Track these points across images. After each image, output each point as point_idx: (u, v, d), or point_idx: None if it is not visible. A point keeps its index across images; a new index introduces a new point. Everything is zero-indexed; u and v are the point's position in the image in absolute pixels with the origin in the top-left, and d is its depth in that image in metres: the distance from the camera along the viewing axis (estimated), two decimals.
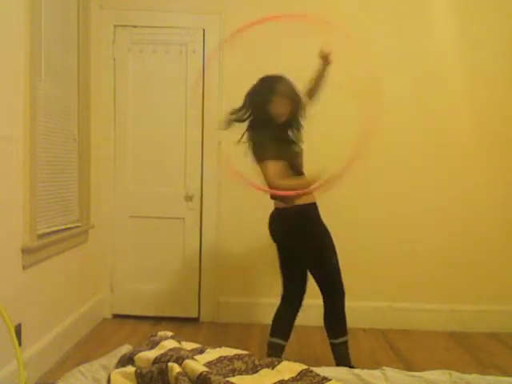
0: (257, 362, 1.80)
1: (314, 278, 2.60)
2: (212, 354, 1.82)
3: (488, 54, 3.71)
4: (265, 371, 1.75)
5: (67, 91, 3.23)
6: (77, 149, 3.36)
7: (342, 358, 2.54)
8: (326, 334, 2.64)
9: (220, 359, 1.79)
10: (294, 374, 1.73)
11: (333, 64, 2.59)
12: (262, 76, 2.61)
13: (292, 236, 2.55)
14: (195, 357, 1.73)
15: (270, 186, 2.44)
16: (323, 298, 2.62)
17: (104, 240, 3.79)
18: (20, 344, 2.24)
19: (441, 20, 3.68)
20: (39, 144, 2.74)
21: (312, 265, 2.60)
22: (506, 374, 2.55)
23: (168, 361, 1.63)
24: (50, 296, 2.94)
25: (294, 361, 1.85)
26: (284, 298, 2.68)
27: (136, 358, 1.73)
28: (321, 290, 2.61)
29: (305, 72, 3.72)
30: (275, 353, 2.52)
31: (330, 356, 2.61)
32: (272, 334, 2.63)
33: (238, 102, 3.75)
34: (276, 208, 2.62)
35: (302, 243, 2.54)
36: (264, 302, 3.77)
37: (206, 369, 1.60)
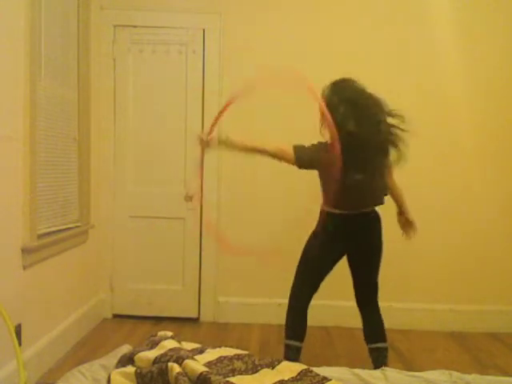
0: (257, 362, 1.80)
1: (369, 281, 2.61)
2: (212, 354, 1.82)
3: (488, 54, 3.71)
4: (265, 371, 1.75)
5: (67, 91, 3.23)
6: (77, 149, 3.36)
7: (380, 364, 2.47)
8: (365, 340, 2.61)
9: (220, 359, 1.79)
10: (294, 374, 1.73)
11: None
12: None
13: (374, 238, 2.57)
14: (195, 357, 1.72)
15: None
16: (371, 303, 2.62)
17: (104, 240, 3.79)
18: (20, 344, 2.24)
19: (441, 21, 3.68)
20: (39, 144, 2.74)
21: (376, 268, 2.61)
22: (506, 374, 2.55)
23: (168, 361, 1.63)
24: (50, 296, 2.93)
25: None
26: (306, 297, 2.63)
27: (136, 357, 1.73)
28: (370, 295, 2.62)
29: (305, 72, 3.73)
30: (293, 355, 2.52)
31: (330, 356, 2.61)
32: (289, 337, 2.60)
33: (237, 101, 3.77)
34: (362, 212, 2.54)
35: (379, 245, 2.58)
36: (264, 302, 3.77)
37: (205, 369, 1.60)
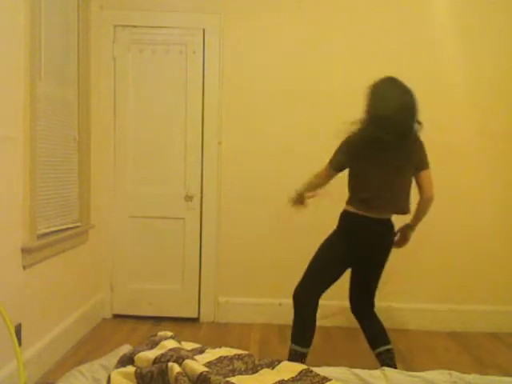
0: (257, 362, 1.80)
1: (371, 290, 2.64)
2: (212, 354, 1.82)
3: (489, 53, 3.71)
4: (265, 371, 1.75)
5: (67, 91, 3.23)
6: (77, 149, 3.36)
7: (391, 365, 2.46)
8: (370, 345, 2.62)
9: (220, 359, 1.79)
10: (294, 374, 1.73)
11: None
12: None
13: (385, 250, 2.62)
14: (195, 357, 1.72)
15: None
16: (370, 310, 2.64)
17: (104, 240, 3.79)
18: (20, 344, 2.24)
19: (442, 20, 3.69)
20: (39, 144, 2.74)
21: (380, 275, 2.65)
22: (506, 374, 2.54)
23: (168, 361, 1.63)
24: (50, 296, 2.93)
25: None
26: (316, 301, 2.59)
27: (136, 358, 1.73)
28: (371, 302, 2.65)
29: (304, 71, 3.74)
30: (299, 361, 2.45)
31: (330, 356, 2.60)
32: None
33: (238, 101, 3.78)
34: (387, 219, 2.58)
35: (387, 256, 2.63)
36: (264, 302, 3.77)
37: (205, 369, 1.60)
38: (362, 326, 2.65)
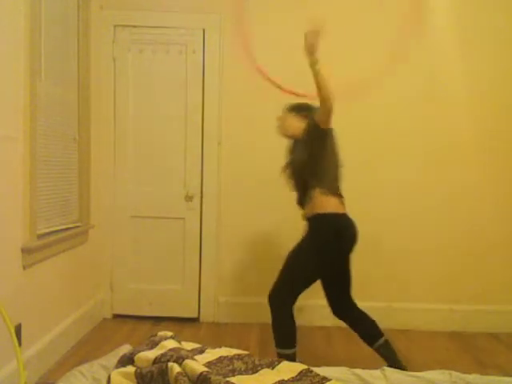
0: (257, 362, 1.80)
1: (350, 285, 2.64)
2: (212, 354, 1.82)
3: (488, 53, 3.71)
4: (265, 371, 1.75)
5: (67, 91, 3.23)
6: (77, 149, 3.36)
7: (390, 357, 2.49)
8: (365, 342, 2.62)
9: (220, 359, 1.79)
10: (294, 374, 1.73)
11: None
12: None
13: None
14: (195, 357, 1.73)
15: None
16: (352, 304, 2.64)
17: (104, 240, 3.79)
18: (20, 344, 2.24)
19: (441, 19, 3.69)
20: (39, 144, 2.74)
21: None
22: (506, 374, 2.54)
23: (168, 361, 1.63)
24: (50, 296, 2.93)
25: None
26: (293, 304, 2.55)
27: (136, 358, 1.73)
28: (350, 296, 2.64)
29: (304, 71, 3.73)
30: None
31: (330, 356, 2.60)
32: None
33: (238, 101, 3.78)
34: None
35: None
36: (264, 302, 3.75)
37: (205, 369, 1.61)
38: (351, 324, 2.64)
